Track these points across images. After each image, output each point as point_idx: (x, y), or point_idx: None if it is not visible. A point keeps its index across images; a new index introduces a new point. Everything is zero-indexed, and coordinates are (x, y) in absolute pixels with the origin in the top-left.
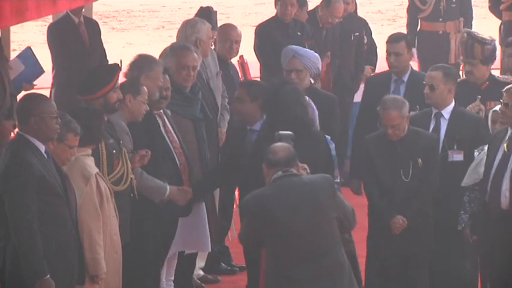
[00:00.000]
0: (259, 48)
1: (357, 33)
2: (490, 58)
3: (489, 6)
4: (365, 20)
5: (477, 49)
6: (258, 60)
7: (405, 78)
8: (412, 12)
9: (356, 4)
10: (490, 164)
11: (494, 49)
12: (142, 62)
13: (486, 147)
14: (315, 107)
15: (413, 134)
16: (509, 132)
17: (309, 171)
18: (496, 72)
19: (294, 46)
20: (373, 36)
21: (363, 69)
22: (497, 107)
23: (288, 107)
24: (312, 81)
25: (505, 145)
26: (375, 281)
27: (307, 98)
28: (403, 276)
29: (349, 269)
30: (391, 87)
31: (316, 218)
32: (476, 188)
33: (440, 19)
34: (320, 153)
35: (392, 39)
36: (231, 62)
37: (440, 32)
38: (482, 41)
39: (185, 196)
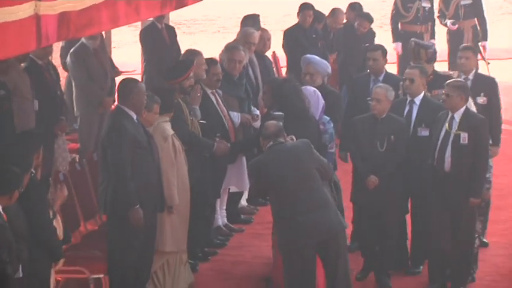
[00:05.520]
0: (286, 47)
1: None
2: (432, 58)
3: (438, 16)
4: (373, 32)
5: (422, 53)
6: (286, 56)
7: (381, 78)
8: (396, 18)
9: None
10: (436, 138)
11: (435, 51)
12: (190, 54)
13: None
14: (321, 99)
15: (390, 118)
16: (449, 115)
17: (294, 139)
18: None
19: (309, 55)
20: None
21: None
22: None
23: (287, 98)
24: (326, 79)
25: (446, 125)
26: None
27: (317, 92)
28: (377, 224)
29: (334, 206)
30: (370, 85)
31: (299, 169)
32: None
33: (418, 23)
34: (311, 130)
35: (371, 49)
36: (266, 56)
37: (418, 31)
38: (425, 47)
39: (224, 149)
